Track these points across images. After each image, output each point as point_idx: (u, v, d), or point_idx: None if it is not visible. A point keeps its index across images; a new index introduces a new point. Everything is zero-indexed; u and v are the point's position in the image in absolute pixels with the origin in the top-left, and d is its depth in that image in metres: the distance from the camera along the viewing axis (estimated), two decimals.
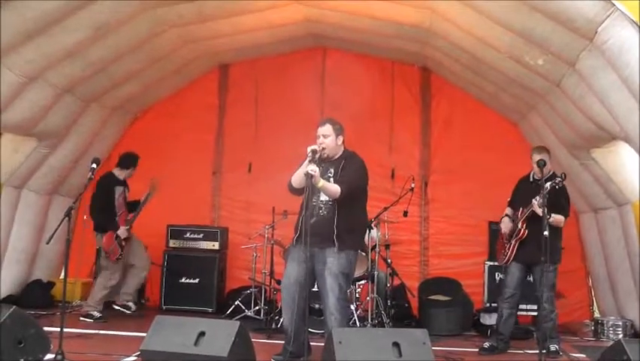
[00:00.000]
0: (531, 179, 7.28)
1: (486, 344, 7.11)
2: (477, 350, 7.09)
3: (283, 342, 6.18)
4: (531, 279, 7.22)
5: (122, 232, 8.53)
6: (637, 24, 5.54)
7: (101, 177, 8.66)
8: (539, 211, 6.60)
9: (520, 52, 7.32)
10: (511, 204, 7.48)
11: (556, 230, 6.87)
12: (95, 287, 8.54)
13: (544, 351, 6.32)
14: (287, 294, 6.09)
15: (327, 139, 6.04)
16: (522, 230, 6.97)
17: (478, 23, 7.42)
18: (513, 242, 7.07)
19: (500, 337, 7.10)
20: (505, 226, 7.25)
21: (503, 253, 7.21)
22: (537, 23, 6.57)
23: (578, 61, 6.62)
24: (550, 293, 6.86)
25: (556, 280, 7.07)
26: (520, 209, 7.08)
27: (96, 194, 8.63)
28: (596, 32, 5.95)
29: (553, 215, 6.69)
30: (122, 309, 8.68)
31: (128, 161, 8.81)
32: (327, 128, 6.08)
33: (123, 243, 8.52)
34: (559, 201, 6.84)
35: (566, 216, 6.95)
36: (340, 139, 6.15)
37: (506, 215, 7.38)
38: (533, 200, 6.76)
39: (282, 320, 7.80)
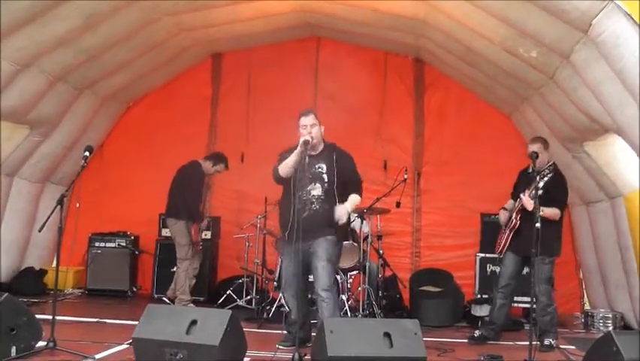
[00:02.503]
0: (529, 170, 7.15)
1: (476, 333, 7.14)
2: (467, 340, 7.11)
3: (275, 331, 6.22)
4: (527, 271, 7.16)
5: (205, 222, 8.81)
6: (631, 17, 5.54)
7: (192, 166, 8.67)
8: (527, 205, 6.60)
9: (514, 44, 7.32)
10: (512, 195, 7.37)
11: (551, 223, 6.63)
12: (180, 280, 8.51)
13: (537, 343, 6.32)
14: (289, 288, 6.23)
15: (314, 128, 6.12)
16: (515, 220, 6.91)
17: (473, 15, 7.41)
18: (507, 232, 7.02)
19: (492, 326, 7.11)
20: (503, 216, 7.16)
21: (499, 242, 7.17)
22: (531, 15, 6.56)
23: (572, 53, 6.62)
24: (546, 286, 6.79)
25: (552, 273, 6.97)
26: (518, 200, 6.98)
27: (192, 183, 8.59)
28: (591, 25, 5.95)
29: (544, 208, 6.34)
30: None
31: (220, 158, 8.89)
32: (312, 118, 6.16)
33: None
34: (553, 193, 6.64)
35: (561, 208, 6.79)
36: (322, 128, 6.24)
37: (503, 208, 7.27)
38: (521, 194, 6.75)
39: (272, 309, 7.87)
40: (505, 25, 7.08)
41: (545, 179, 6.48)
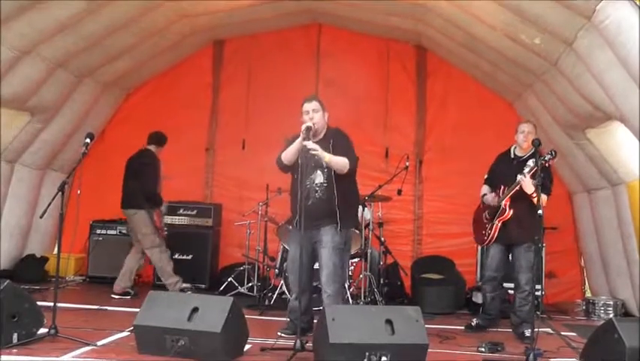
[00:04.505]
0: (512, 155, 6.97)
1: (473, 322, 7.09)
2: (464, 328, 7.08)
3: (277, 318, 6.21)
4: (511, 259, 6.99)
5: (165, 207, 8.73)
6: (635, 3, 5.51)
7: (145, 153, 8.60)
8: (528, 187, 6.35)
9: (516, 30, 7.29)
10: (489, 181, 7.14)
11: (536, 211, 6.41)
12: (161, 266, 8.44)
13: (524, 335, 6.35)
14: (294, 276, 6.20)
15: (317, 114, 6.06)
16: (507, 210, 6.65)
17: (475, 1, 7.37)
18: (496, 222, 6.74)
19: (488, 316, 7.09)
20: (492, 198, 6.84)
21: (484, 233, 6.91)
22: (534, 1, 6.53)
23: (575, 40, 6.59)
24: (530, 275, 6.57)
25: (534, 261, 6.73)
26: (502, 187, 6.75)
27: (150, 169, 8.49)
28: (595, 11, 5.92)
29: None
30: (123, 297, 8.37)
31: (163, 139, 8.78)
32: (315, 104, 6.10)
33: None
34: (543, 179, 6.31)
35: (548, 195, 6.59)
36: (326, 115, 6.18)
37: (484, 194, 7.05)
38: (521, 177, 6.40)
39: (274, 296, 7.87)
40: (507, 11, 7.05)
41: (532, 165, 6.33)
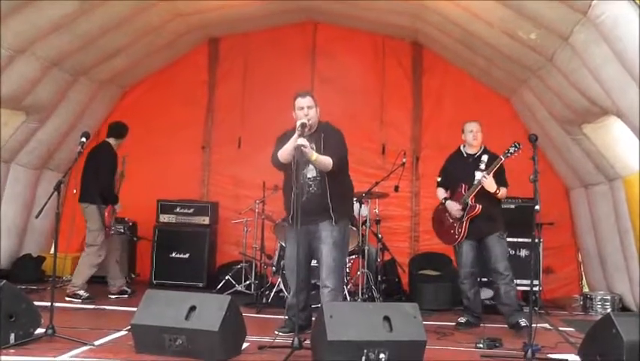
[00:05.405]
0: (464, 154, 7.11)
1: (462, 319, 7.08)
2: (455, 326, 7.05)
3: (274, 316, 6.19)
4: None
5: (119, 206, 8.39)
6: None
7: (105, 147, 8.34)
8: (490, 187, 6.63)
9: (512, 26, 7.28)
10: (443, 183, 7.23)
11: (498, 201, 6.93)
12: (82, 266, 8.09)
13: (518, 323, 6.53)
14: (291, 274, 6.20)
15: (311, 111, 6.02)
16: (476, 206, 6.74)
17: None
18: (465, 220, 6.83)
19: (475, 313, 7.10)
20: (455, 208, 6.89)
21: (453, 232, 6.97)
22: None
23: (571, 35, 6.59)
24: (507, 262, 6.81)
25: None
26: (462, 185, 6.88)
27: (105, 164, 8.22)
28: (590, 6, 5.91)
29: (501, 188, 6.74)
30: (120, 296, 8.26)
31: (123, 131, 8.52)
32: (310, 100, 6.06)
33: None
34: (499, 174, 6.77)
35: (507, 187, 6.89)
36: (318, 110, 6.14)
37: (445, 198, 7.10)
38: (481, 177, 6.65)
39: (271, 294, 7.85)
40: (503, 6, 7.04)
41: (487, 161, 6.71)
